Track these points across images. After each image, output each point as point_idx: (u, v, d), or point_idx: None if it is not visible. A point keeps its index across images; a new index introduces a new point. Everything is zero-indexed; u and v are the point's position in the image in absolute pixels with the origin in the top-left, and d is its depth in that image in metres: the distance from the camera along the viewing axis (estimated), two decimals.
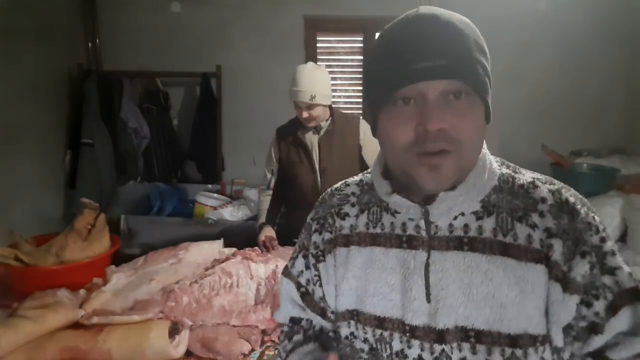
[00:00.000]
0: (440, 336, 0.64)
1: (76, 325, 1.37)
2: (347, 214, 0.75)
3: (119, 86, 3.21)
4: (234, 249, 1.83)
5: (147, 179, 3.25)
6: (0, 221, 2.40)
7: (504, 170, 0.70)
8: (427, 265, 0.65)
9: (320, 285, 0.78)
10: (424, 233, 0.67)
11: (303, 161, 2.03)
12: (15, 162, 2.68)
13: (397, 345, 0.68)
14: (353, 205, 0.76)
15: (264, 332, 1.40)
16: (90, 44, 3.32)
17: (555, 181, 0.69)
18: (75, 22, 3.23)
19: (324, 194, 0.84)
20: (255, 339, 1.36)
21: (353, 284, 0.72)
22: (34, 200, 2.85)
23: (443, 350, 0.64)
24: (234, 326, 1.40)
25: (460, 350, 0.63)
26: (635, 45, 3.02)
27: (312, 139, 2.03)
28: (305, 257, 0.80)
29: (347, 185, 0.80)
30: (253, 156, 3.31)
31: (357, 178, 0.81)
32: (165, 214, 2.89)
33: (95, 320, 1.37)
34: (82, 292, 1.54)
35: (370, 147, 2.04)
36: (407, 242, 0.68)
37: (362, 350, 0.72)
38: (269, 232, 2.04)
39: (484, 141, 0.68)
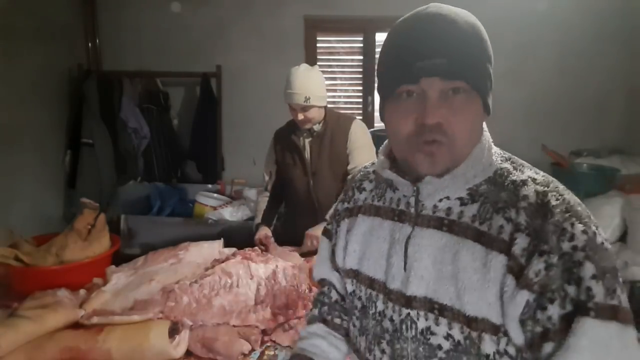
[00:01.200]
0: (408, 302, 0.72)
1: (76, 325, 1.37)
2: (364, 189, 0.87)
3: (119, 86, 3.21)
4: (234, 249, 1.83)
5: (147, 179, 3.25)
6: (0, 221, 2.40)
7: (505, 165, 0.72)
8: (408, 238, 0.73)
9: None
10: (412, 210, 0.75)
11: (297, 164, 2.03)
12: (15, 162, 2.68)
13: (380, 306, 0.77)
14: (370, 181, 0.87)
15: (264, 332, 1.40)
16: (90, 44, 3.32)
17: (552, 184, 0.67)
18: (75, 22, 3.23)
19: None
20: (255, 339, 1.36)
21: (357, 247, 0.83)
22: (34, 200, 2.85)
23: (409, 314, 0.72)
24: (234, 326, 1.40)
25: (426, 319, 0.70)
26: (635, 45, 3.02)
27: (305, 142, 2.02)
28: (336, 221, 0.92)
29: (373, 164, 0.90)
30: (253, 156, 3.31)
31: None
32: (165, 214, 2.90)
33: (95, 320, 1.36)
34: (82, 292, 1.54)
35: (355, 149, 1.97)
36: (398, 215, 0.77)
37: (356, 307, 0.83)
38: (264, 230, 2.05)
39: (489, 136, 0.73)
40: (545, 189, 0.66)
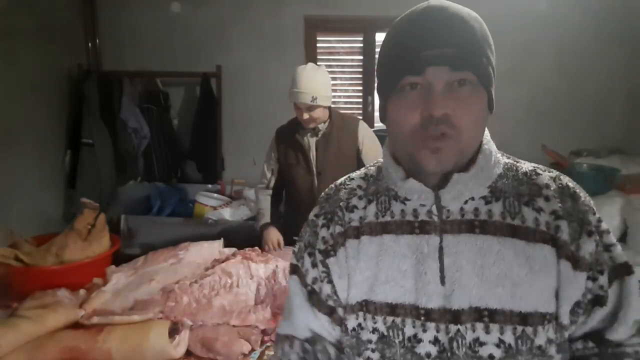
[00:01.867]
0: (455, 317, 0.66)
1: (76, 325, 1.37)
2: (355, 207, 0.76)
3: (119, 86, 3.21)
4: (234, 249, 1.83)
5: (147, 179, 3.25)
6: (0, 221, 2.40)
7: (506, 159, 0.74)
8: (440, 249, 0.68)
9: (329, 282, 0.76)
10: (436, 218, 0.69)
11: (300, 163, 2.03)
12: (15, 162, 2.68)
13: (409, 331, 0.69)
14: (360, 197, 0.76)
15: (264, 332, 1.40)
16: (90, 44, 3.32)
17: (552, 169, 0.74)
18: (75, 22, 3.23)
19: (327, 189, 0.83)
20: (255, 339, 1.36)
21: (365, 273, 0.72)
22: (34, 200, 2.85)
23: (458, 330, 0.66)
24: (234, 326, 1.40)
25: (474, 330, 0.66)
26: (635, 45, 3.02)
27: (309, 141, 2.02)
28: (310, 255, 0.78)
29: (352, 179, 0.81)
30: (253, 156, 3.31)
31: (360, 172, 0.82)
32: (165, 214, 2.89)
33: (95, 320, 1.37)
34: (82, 292, 1.54)
35: (370, 149, 2.02)
36: (420, 227, 0.69)
37: (370, 341, 0.71)
38: (276, 233, 2.05)
39: (487, 131, 0.72)
40: (554, 173, 0.72)
